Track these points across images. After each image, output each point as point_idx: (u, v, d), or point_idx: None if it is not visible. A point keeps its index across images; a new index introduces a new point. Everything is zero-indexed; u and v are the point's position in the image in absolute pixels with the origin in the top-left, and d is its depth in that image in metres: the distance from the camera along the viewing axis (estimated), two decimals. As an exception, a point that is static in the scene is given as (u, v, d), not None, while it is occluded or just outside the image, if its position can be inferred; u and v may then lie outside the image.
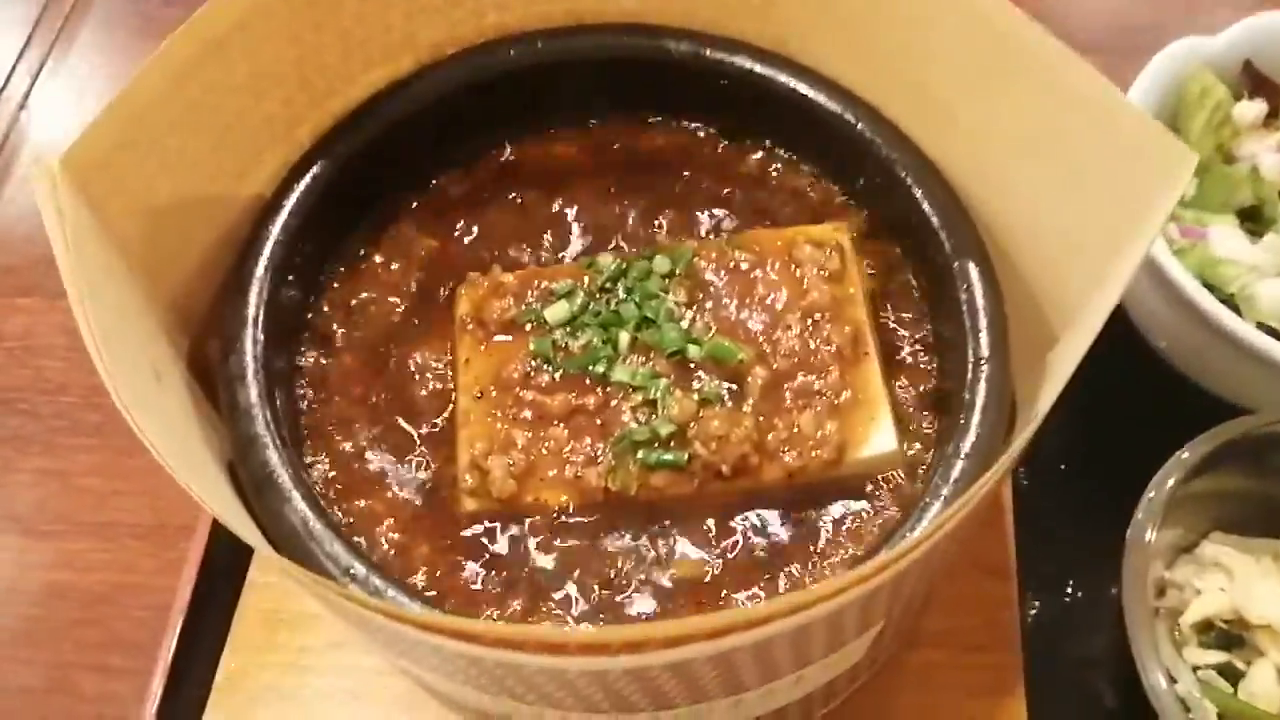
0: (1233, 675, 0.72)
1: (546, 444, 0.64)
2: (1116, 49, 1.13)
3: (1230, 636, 0.74)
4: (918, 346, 0.70)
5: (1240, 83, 0.86)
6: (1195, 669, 0.73)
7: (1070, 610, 0.81)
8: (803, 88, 0.72)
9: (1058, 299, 0.65)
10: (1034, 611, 0.81)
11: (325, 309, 0.71)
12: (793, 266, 0.69)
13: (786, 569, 0.62)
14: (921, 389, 0.68)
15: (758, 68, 0.73)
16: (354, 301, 0.72)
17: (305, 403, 0.68)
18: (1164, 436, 0.74)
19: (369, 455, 0.67)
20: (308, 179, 0.69)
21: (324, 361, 0.69)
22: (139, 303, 0.60)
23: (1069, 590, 0.82)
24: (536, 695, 0.50)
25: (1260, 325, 0.75)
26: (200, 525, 0.80)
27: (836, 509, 0.64)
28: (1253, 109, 0.84)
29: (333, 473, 0.66)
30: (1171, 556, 0.78)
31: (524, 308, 0.68)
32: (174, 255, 0.63)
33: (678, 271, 0.69)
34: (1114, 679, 0.78)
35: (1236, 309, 0.76)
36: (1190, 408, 0.80)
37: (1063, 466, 0.87)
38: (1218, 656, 0.73)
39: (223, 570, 0.78)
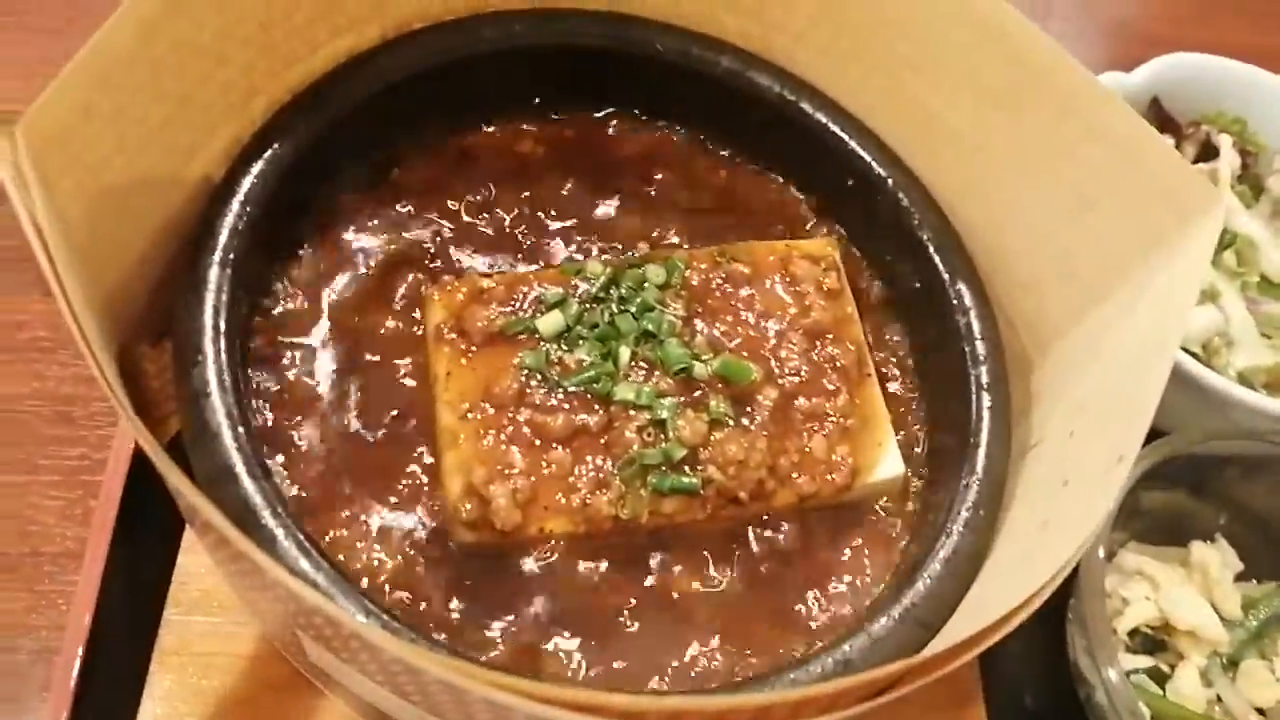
0: (1158, 678, 0.77)
1: (549, 468, 0.59)
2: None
3: (1154, 641, 0.79)
4: (895, 366, 0.70)
5: (1149, 119, 0.91)
6: (1128, 673, 0.77)
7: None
8: (790, 95, 0.70)
9: (1033, 320, 0.67)
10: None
11: (278, 310, 0.63)
12: (789, 282, 0.67)
13: (804, 595, 0.60)
14: (905, 409, 0.68)
15: (744, 71, 0.71)
16: (307, 301, 0.63)
17: (264, 415, 0.59)
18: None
19: (337, 478, 0.59)
20: (262, 162, 0.60)
21: (281, 371, 0.61)
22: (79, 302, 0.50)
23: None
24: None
25: (1182, 349, 0.80)
26: (90, 550, 0.68)
27: (847, 532, 0.62)
28: (1160, 144, 0.89)
29: (302, 495, 0.58)
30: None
31: (513, 317, 0.62)
32: (115, 246, 0.53)
33: (673, 283, 0.65)
34: (1048, 688, 0.81)
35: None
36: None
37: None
38: (1145, 661, 0.78)
39: (119, 605, 0.67)
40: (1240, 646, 0.78)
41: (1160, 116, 0.92)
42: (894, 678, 0.46)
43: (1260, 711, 0.75)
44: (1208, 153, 0.91)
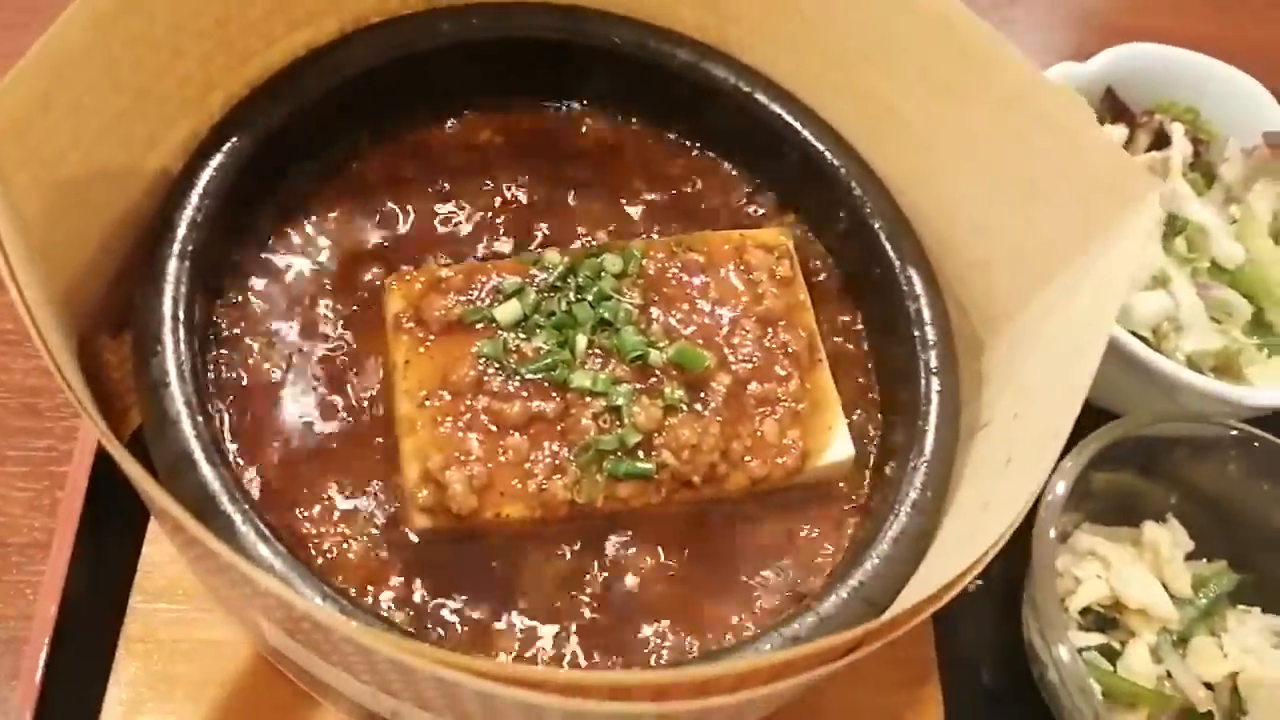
0: (1110, 654, 0.79)
1: (505, 454, 0.60)
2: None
3: (1105, 619, 0.81)
4: (846, 351, 0.71)
5: (1103, 108, 0.93)
6: (1080, 650, 0.79)
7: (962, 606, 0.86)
8: (746, 87, 0.72)
9: (982, 304, 0.68)
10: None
11: (237, 301, 0.63)
12: (743, 270, 0.68)
13: (756, 576, 0.62)
14: (856, 393, 0.69)
15: (701, 63, 0.72)
16: (266, 293, 0.64)
17: (224, 405, 0.60)
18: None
19: (297, 465, 0.60)
20: (220, 155, 0.61)
21: (238, 360, 0.62)
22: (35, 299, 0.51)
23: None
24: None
25: (1132, 334, 0.82)
26: (57, 540, 0.68)
27: (798, 514, 0.64)
28: (1114, 134, 0.91)
29: (262, 482, 0.59)
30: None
31: (471, 306, 0.64)
32: (73, 240, 0.54)
33: (630, 272, 0.66)
34: (1003, 667, 0.83)
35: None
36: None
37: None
38: (1097, 638, 0.79)
39: (86, 594, 0.68)
40: (1190, 624, 0.80)
41: (1114, 106, 0.93)
42: (837, 652, 0.47)
43: (1208, 686, 0.77)
44: (1161, 141, 0.93)
